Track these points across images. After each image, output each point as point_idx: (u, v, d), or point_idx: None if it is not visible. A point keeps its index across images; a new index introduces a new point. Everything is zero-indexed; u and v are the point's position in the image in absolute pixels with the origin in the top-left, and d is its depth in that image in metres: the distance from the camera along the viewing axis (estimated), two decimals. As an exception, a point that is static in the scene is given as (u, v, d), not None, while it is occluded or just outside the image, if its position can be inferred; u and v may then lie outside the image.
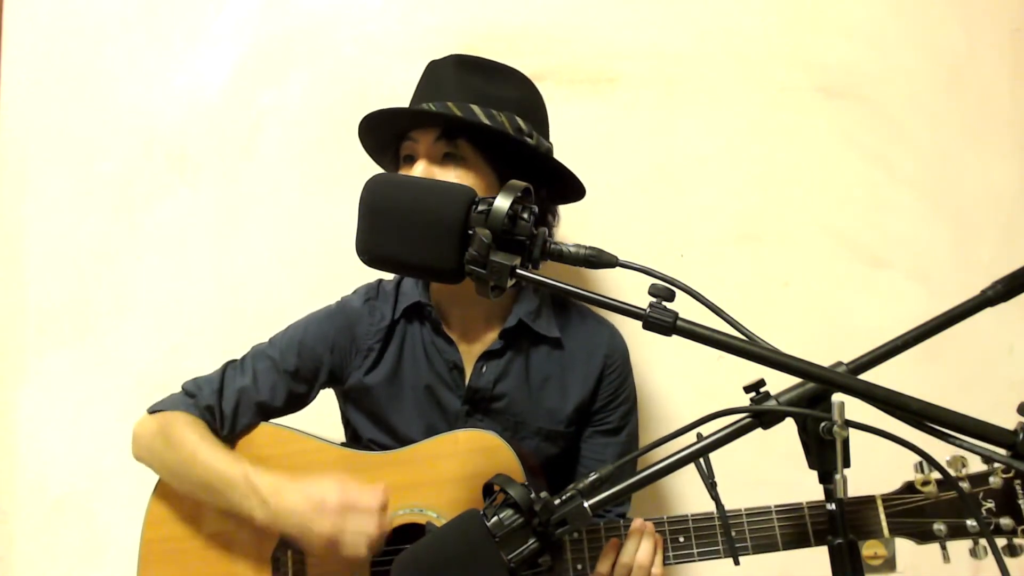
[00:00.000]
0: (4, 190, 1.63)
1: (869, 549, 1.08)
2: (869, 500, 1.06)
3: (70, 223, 1.62)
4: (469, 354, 1.29)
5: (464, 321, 1.30)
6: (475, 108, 1.19)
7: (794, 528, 1.07)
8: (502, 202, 0.75)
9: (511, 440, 1.26)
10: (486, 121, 1.18)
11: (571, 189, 1.30)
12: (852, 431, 0.72)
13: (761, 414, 0.75)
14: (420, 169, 1.19)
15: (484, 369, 1.28)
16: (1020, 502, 1.00)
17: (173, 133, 1.64)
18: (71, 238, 1.62)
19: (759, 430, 0.76)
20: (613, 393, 1.34)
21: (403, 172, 1.24)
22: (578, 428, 1.33)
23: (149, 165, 1.63)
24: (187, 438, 1.20)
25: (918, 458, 0.84)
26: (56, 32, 1.64)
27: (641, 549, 1.09)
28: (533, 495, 0.76)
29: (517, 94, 1.26)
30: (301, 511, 1.11)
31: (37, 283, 1.62)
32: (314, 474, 1.20)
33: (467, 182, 1.18)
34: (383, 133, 1.27)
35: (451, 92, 1.21)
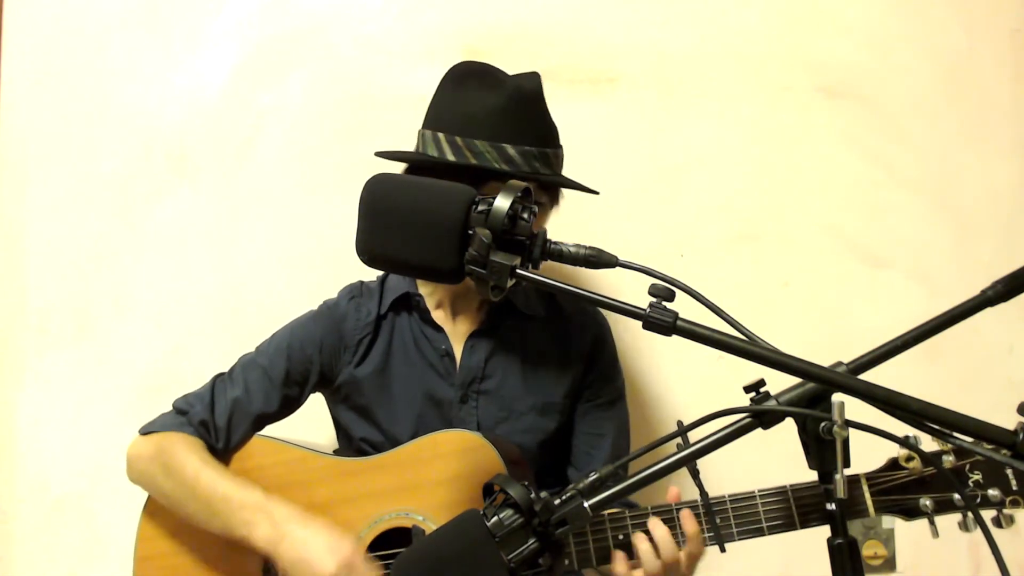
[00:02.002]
0: (4, 190, 1.63)
1: (869, 549, 1.08)
2: (853, 480, 1.04)
3: (70, 223, 1.62)
4: (458, 338, 1.30)
5: (453, 308, 1.31)
6: (552, 155, 1.22)
7: (780, 512, 1.06)
8: (502, 202, 0.75)
9: (497, 434, 1.26)
10: (573, 182, 1.25)
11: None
12: (852, 431, 0.72)
13: (761, 414, 0.75)
14: None
15: (474, 347, 1.29)
16: (1008, 472, 0.98)
17: (173, 133, 1.64)
18: (71, 238, 1.62)
19: (759, 430, 0.76)
20: (605, 366, 1.35)
21: None
22: (572, 402, 1.34)
23: (149, 165, 1.63)
24: (188, 462, 1.20)
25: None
26: (56, 32, 1.64)
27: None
28: (533, 495, 0.76)
29: (551, 119, 1.27)
30: (313, 546, 1.11)
31: (37, 283, 1.62)
32: (303, 483, 1.22)
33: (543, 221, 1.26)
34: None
35: (540, 135, 1.22)
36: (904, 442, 0.77)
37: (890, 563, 1.07)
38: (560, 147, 1.26)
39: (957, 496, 0.99)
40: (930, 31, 1.67)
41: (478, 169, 1.16)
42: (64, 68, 1.64)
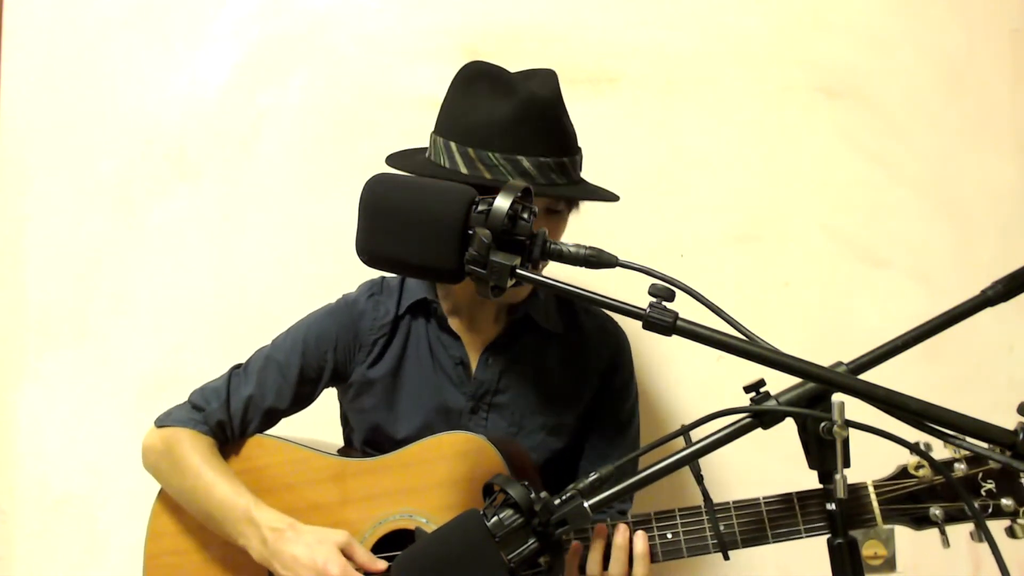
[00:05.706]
0: (4, 190, 1.63)
1: (869, 549, 1.08)
2: (860, 487, 1.01)
3: (70, 223, 1.62)
4: (474, 348, 1.29)
5: (471, 316, 1.30)
6: (569, 163, 1.18)
7: (784, 519, 1.04)
8: (502, 202, 0.75)
9: (511, 438, 1.26)
10: (591, 192, 1.22)
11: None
12: (852, 431, 0.72)
13: (761, 414, 0.75)
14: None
15: (490, 361, 1.28)
16: (1022, 481, 0.94)
17: (173, 133, 1.64)
18: (71, 238, 1.62)
19: (759, 430, 0.76)
20: (619, 389, 1.34)
21: None
22: (583, 423, 1.33)
23: (149, 165, 1.63)
24: (190, 462, 1.21)
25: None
26: (56, 32, 1.64)
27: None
28: (533, 495, 0.76)
29: (569, 122, 1.23)
30: (302, 564, 1.11)
31: (37, 283, 1.62)
32: (306, 483, 1.22)
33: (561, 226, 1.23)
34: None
35: (557, 144, 1.16)
36: (915, 448, 0.77)
37: (890, 563, 1.07)
38: (578, 151, 1.21)
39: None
40: (930, 31, 1.67)
41: (492, 184, 1.10)
42: (64, 68, 1.64)
